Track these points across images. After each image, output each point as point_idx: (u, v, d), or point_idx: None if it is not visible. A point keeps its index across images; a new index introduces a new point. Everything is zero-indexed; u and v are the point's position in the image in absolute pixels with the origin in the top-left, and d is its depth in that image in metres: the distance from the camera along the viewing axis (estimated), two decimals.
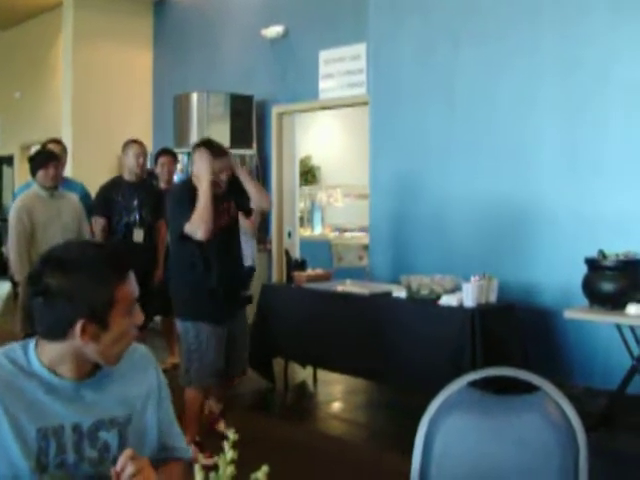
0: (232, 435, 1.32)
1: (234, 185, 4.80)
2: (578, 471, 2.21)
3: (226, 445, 1.29)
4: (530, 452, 2.25)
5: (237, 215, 4.91)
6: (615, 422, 5.39)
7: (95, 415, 1.94)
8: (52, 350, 1.90)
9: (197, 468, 1.29)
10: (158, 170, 7.20)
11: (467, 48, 6.63)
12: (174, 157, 7.33)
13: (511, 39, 6.35)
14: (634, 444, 5.11)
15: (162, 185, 7.12)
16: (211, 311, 4.68)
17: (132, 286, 1.93)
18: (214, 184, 4.59)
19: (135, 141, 6.65)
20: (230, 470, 1.28)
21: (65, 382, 1.91)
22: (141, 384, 2.09)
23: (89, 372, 1.96)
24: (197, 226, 4.50)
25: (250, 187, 4.82)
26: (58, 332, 1.86)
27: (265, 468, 1.33)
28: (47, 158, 5.98)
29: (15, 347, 1.94)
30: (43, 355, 1.91)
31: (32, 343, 1.93)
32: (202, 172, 4.56)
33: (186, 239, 4.61)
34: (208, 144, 4.78)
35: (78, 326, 1.83)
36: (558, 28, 6.07)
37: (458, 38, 6.69)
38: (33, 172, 5.96)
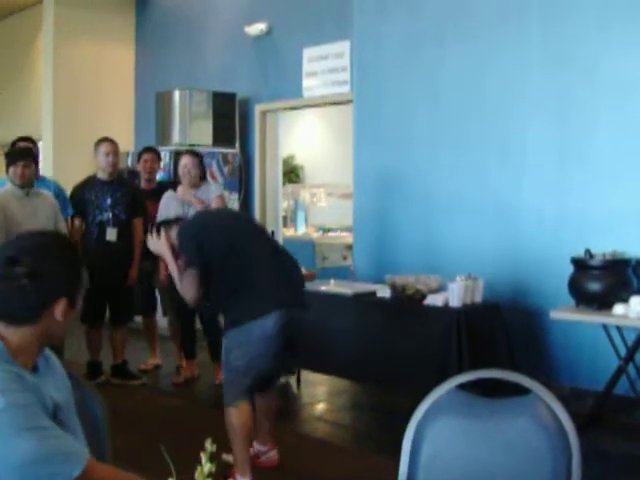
0: (210, 446, 1.23)
1: None
2: (571, 475, 2.14)
3: (203, 457, 1.20)
4: (521, 456, 2.19)
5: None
6: (603, 423, 5.35)
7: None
8: (15, 336, 1.93)
9: None
10: (140, 168, 7.11)
11: (453, 44, 6.57)
12: (157, 155, 7.24)
13: (498, 35, 6.29)
14: (622, 444, 5.07)
15: (143, 184, 7.04)
16: None
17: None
18: None
19: (106, 139, 6.57)
20: None
21: (27, 372, 1.93)
22: (64, 382, 2.12)
23: (33, 366, 1.99)
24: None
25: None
26: (34, 313, 1.93)
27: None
28: (16, 156, 5.88)
29: None
30: (6, 344, 1.92)
31: None
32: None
33: None
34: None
35: (61, 304, 1.93)
36: (546, 23, 6.01)
37: (444, 34, 6.63)
38: (7, 169, 5.87)
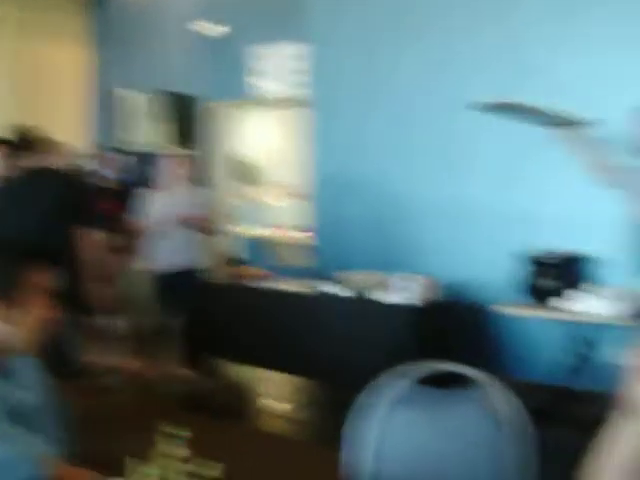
0: (165, 428, 1.26)
1: None
2: (519, 464, 2.22)
3: (158, 438, 1.24)
4: (470, 446, 2.25)
5: None
6: (554, 416, 5.46)
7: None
8: None
9: None
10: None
11: (408, 43, 6.67)
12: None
13: (450, 33, 6.40)
14: (574, 438, 5.16)
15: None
16: None
17: (48, 278, 2.08)
18: None
19: None
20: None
21: None
22: (38, 383, 2.18)
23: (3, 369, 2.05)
24: None
25: None
26: None
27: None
28: None
29: None
30: None
31: None
32: None
33: None
34: None
35: None
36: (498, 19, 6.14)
37: (398, 33, 6.72)
38: None
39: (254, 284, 6.40)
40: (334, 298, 5.92)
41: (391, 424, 2.34)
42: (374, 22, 6.92)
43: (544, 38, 5.90)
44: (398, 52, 6.72)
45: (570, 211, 5.71)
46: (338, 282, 6.10)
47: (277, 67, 8.28)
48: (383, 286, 5.76)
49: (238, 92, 8.74)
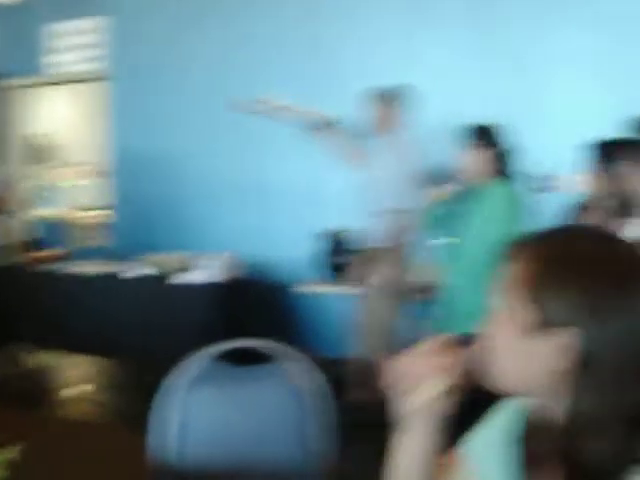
0: None
1: None
2: (319, 434, 2.33)
3: None
4: (271, 419, 2.34)
5: None
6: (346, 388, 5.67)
7: None
8: None
9: None
10: None
11: (212, 18, 6.69)
12: None
13: (252, 12, 6.48)
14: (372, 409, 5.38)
15: None
16: None
17: None
18: None
19: None
20: None
21: None
22: None
23: None
24: None
25: None
26: None
27: None
28: None
29: None
30: None
31: None
32: None
33: None
34: None
35: None
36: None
37: (201, 9, 6.73)
38: None
39: (51, 267, 6.24)
40: (135, 279, 5.89)
41: (192, 402, 2.40)
42: None
43: (338, 13, 6.07)
44: (201, 26, 6.72)
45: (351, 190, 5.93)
46: (140, 263, 6.06)
47: (74, 43, 8.05)
48: (185, 266, 5.78)
49: (33, 69, 8.43)
